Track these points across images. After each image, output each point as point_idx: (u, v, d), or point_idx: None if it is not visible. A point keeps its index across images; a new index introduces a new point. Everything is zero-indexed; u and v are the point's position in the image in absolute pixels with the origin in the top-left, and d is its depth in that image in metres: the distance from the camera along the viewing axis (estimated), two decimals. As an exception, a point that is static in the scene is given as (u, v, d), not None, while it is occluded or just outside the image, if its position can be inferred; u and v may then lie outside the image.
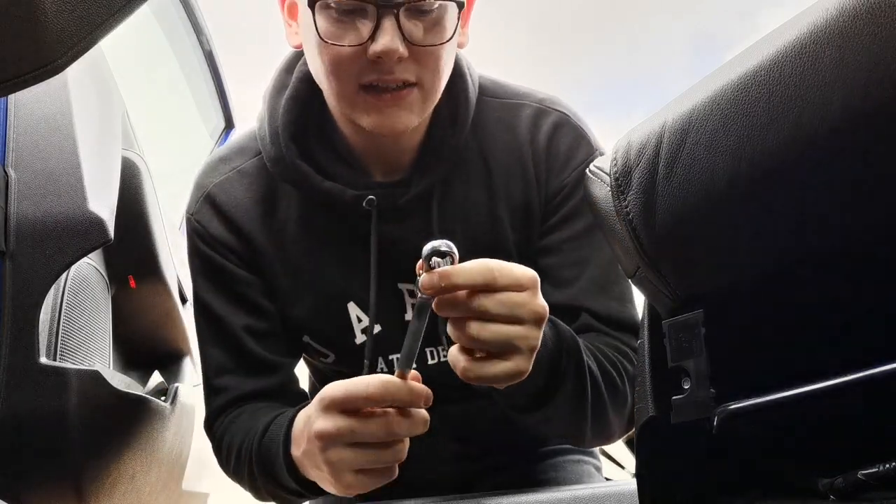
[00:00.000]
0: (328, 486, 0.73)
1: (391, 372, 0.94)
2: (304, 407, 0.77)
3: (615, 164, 0.52)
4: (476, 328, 0.61)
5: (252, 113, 1.00)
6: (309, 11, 0.79)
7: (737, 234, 0.46)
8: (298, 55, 0.94)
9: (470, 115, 0.91)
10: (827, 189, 0.41)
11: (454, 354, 0.63)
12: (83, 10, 0.52)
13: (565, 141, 0.92)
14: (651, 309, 0.56)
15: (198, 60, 2.05)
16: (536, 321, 0.63)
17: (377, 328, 0.93)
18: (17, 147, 0.95)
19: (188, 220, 0.95)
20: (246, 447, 0.85)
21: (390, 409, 0.67)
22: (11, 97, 0.97)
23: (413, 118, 0.83)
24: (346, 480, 0.69)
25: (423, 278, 0.59)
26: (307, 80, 0.90)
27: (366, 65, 0.79)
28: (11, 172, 0.93)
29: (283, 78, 0.93)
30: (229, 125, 2.19)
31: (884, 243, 0.42)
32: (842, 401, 0.43)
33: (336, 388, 0.67)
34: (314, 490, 0.79)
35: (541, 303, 0.64)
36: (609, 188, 0.53)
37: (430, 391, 0.66)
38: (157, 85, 2.20)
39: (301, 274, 0.93)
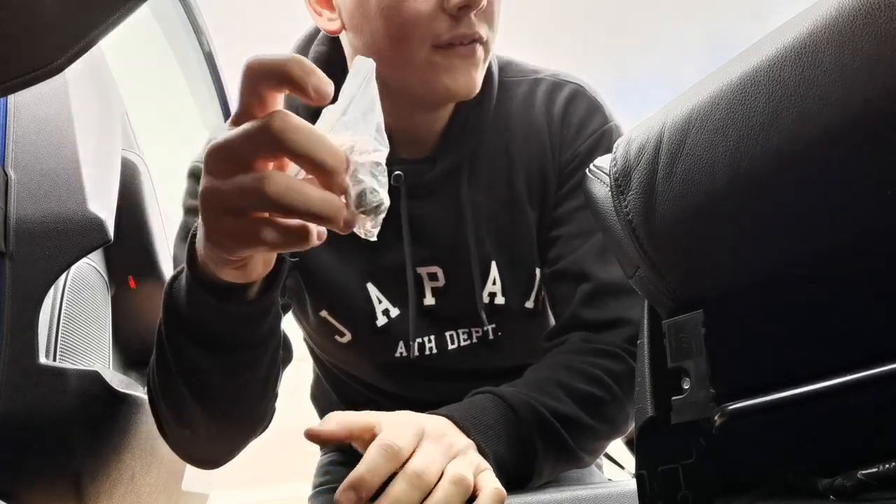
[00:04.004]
0: (217, 250, 0.56)
1: (409, 354, 0.93)
2: None
3: (615, 164, 0.52)
4: None
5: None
6: None
7: (737, 234, 0.46)
8: (316, 30, 0.93)
9: (495, 91, 0.91)
10: (827, 189, 0.41)
11: None
12: (83, 11, 0.52)
13: (579, 111, 0.93)
14: (651, 309, 0.56)
15: (198, 60, 2.05)
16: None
17: (396, 311, 0.91)
18: (17, 147, 0.95)
19: (195, 168, 0.87)
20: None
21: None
22: (11, 97, 0.97)
23: (480, 77, 0.83)
24: (231, 231, 0.51)
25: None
26: (329, 42, 0.89)
27: (444, 21, 0.77)
28: (11, 173, 0.93)
29: (303, 51, 0.92)
30: (229, 125, 2.18)
31: (884, 243, 0.42)
32: (841, 401, 0.43)
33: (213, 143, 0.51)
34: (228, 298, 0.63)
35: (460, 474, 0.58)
36: (609, 188, 0.53)
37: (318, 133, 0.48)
38: (157, 85, 2.20)
39: (320, 250, 0.90)
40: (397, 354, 0.93)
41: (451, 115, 0.90)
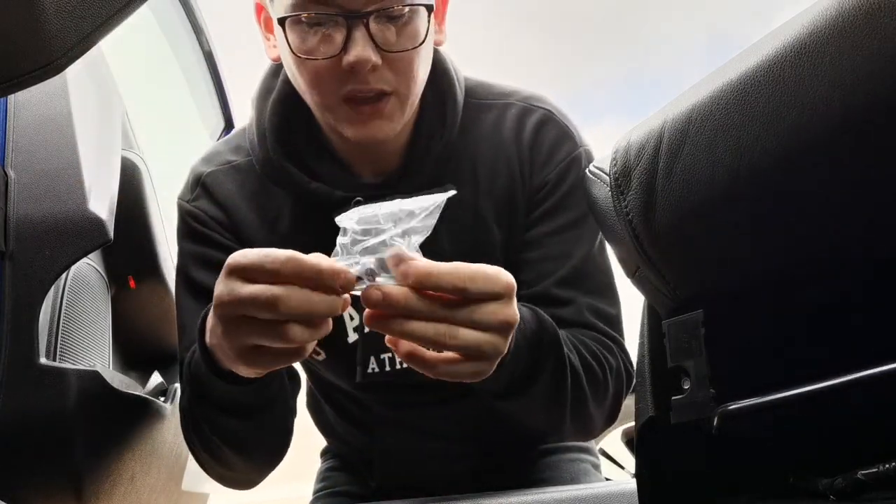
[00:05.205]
0: (230, 362, 0.65)
1: (382, 371, 0.94)
2: None
3: (615, 164, 0.52)
4: (445, 333, 0.58)
5: (252, 113, 1.01)
6: (281, 27, 0.80)
7: (737, 234, 0.46)
8: (273, 67, 0.96)
9: (458, 116, 0.92)
10: (827, 189, 0.41)
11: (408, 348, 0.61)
12: (83, 10, 0.52)
13: (549, 137, 0.93)
14: (651, 309, 0.56)
15: (198, 60, 2.05)
16: (505, 330, 0.62)
17: (367, 329, 0.92)
18: (17, 147, 0.95)
19: (181, 206, 0.95)
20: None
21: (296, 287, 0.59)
22: (11, 97, 0.97)
23: (393, 126, 0.85)
24: (244, 355, 0.62)
25: (402, 268, 0.57)
26: (289, 85, 0.90)
27: (342, 75, 0.80)
28: (11, 173, 0.93)
29: (270, 82, 0.95)
30: (229, 125, 2.19)
31: (884, 243, 0.42)
32: (841, 401, 0.43)
33: (244, 254, 0.60)
34: (237, 381, 0.72)
35: (512, 312, 0.62)
36: (609, 188, 0.53)
37: (347, 272, 0.59)
38: (157, 85, 2.20)
39: None
40: (370, 370, 0.94)
41: (412, 139, 0.91)
